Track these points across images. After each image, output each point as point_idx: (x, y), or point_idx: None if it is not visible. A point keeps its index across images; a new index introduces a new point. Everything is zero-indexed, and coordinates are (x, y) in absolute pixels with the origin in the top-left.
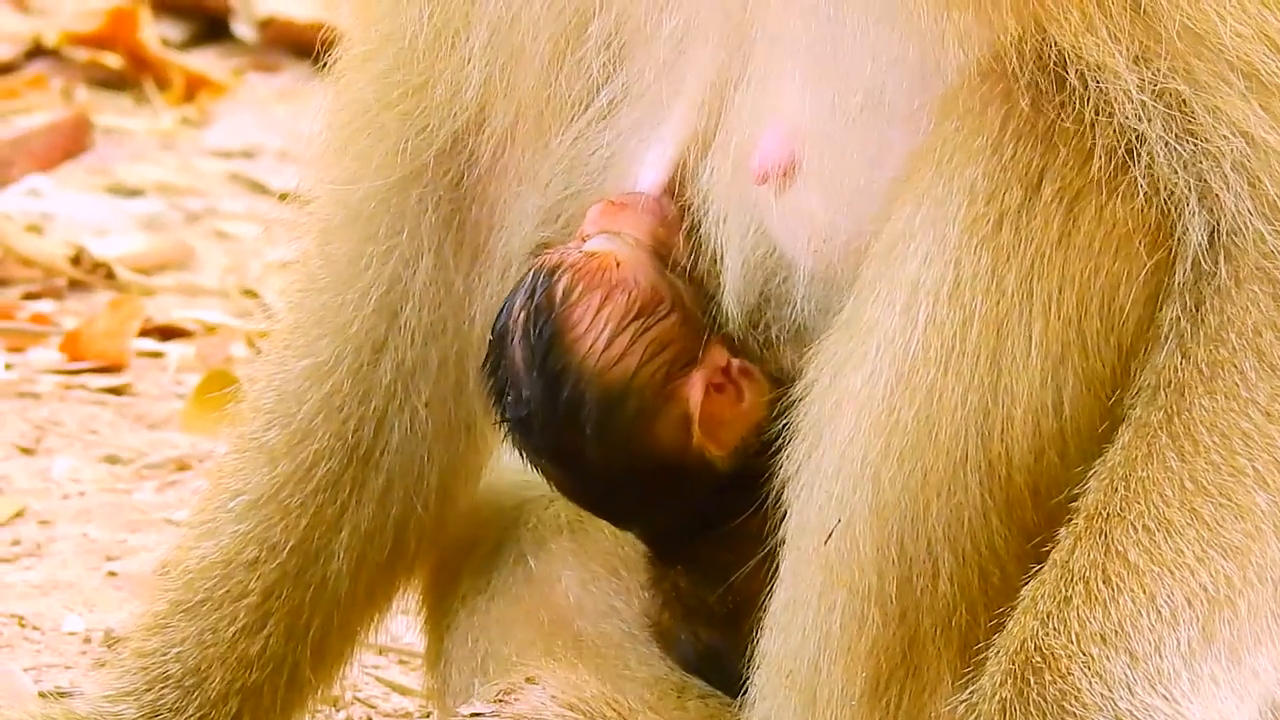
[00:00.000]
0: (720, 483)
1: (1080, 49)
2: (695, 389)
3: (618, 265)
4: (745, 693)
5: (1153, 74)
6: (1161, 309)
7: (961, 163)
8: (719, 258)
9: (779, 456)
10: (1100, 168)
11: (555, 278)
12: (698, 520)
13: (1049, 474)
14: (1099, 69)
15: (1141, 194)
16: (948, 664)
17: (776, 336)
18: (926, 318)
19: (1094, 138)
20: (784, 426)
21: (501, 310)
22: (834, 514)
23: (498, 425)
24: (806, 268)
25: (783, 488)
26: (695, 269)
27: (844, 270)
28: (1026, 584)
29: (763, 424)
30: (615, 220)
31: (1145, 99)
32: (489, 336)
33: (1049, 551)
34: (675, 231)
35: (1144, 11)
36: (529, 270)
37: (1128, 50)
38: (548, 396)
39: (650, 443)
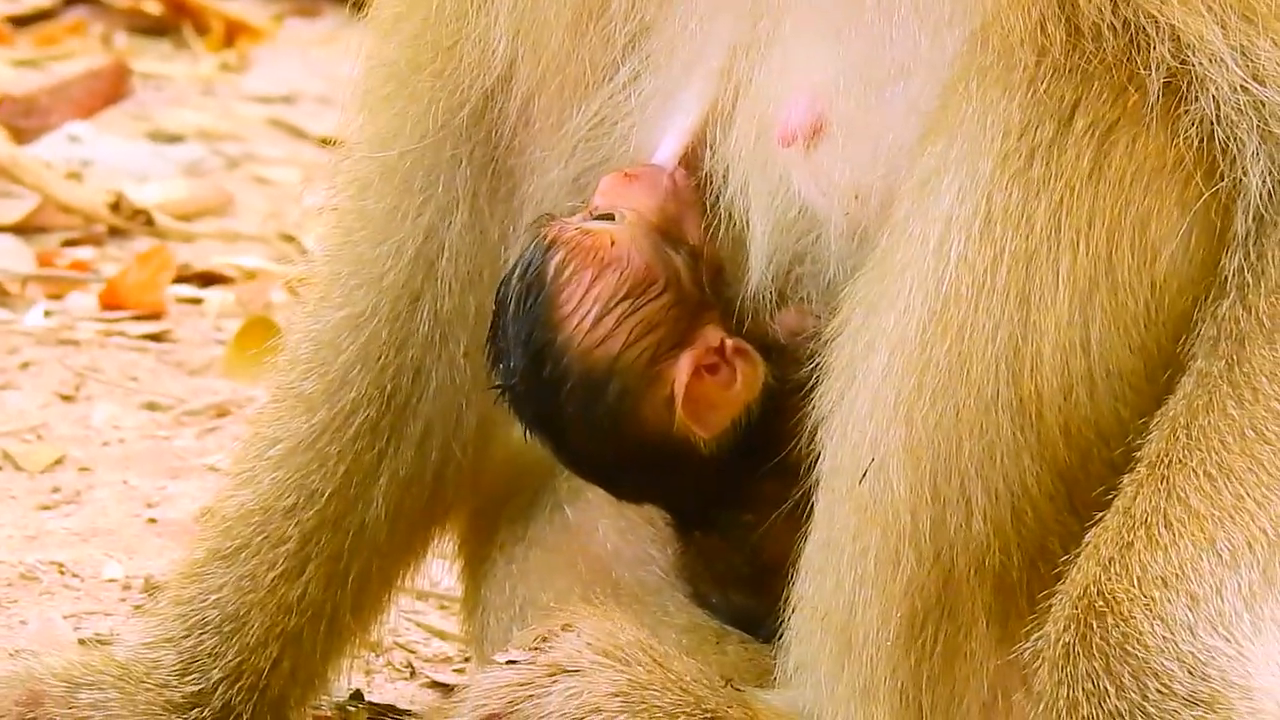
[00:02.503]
0: (715, 462)
1: (1164, 12)
2: (682, 371)
3: (612, 243)
4: (781, 637)
5: (1234, 33)
6: (1222, 259)
7: (996, 97)
8: (745, 223)
9: (791, 418)
10: (1136, 101)
11: (550, 253)
12: (705, 492)
13: (1079, 412)
14: (1175, 28)
15: (1187, 131)
16: (982, 604)
17: (808, 294)
18: (958, 255)
19: (1131, 70)
20: (815, 367)
21: (503, 279)
22: (867, 454)
23: (493, 390)
24: (837, 225)
25: (814, 430)
26: (715, 238)
27: (875, 225)
28: (1088, 529)
29: (754, 405)
30: (624, 193)
31: (1219, 48)
32: (493, 302)
33: (1082, 493)
34: (687, 205)
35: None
36: (530, 241)
37: (1218, 18)
38: (532, 371)
39: (635, 425)
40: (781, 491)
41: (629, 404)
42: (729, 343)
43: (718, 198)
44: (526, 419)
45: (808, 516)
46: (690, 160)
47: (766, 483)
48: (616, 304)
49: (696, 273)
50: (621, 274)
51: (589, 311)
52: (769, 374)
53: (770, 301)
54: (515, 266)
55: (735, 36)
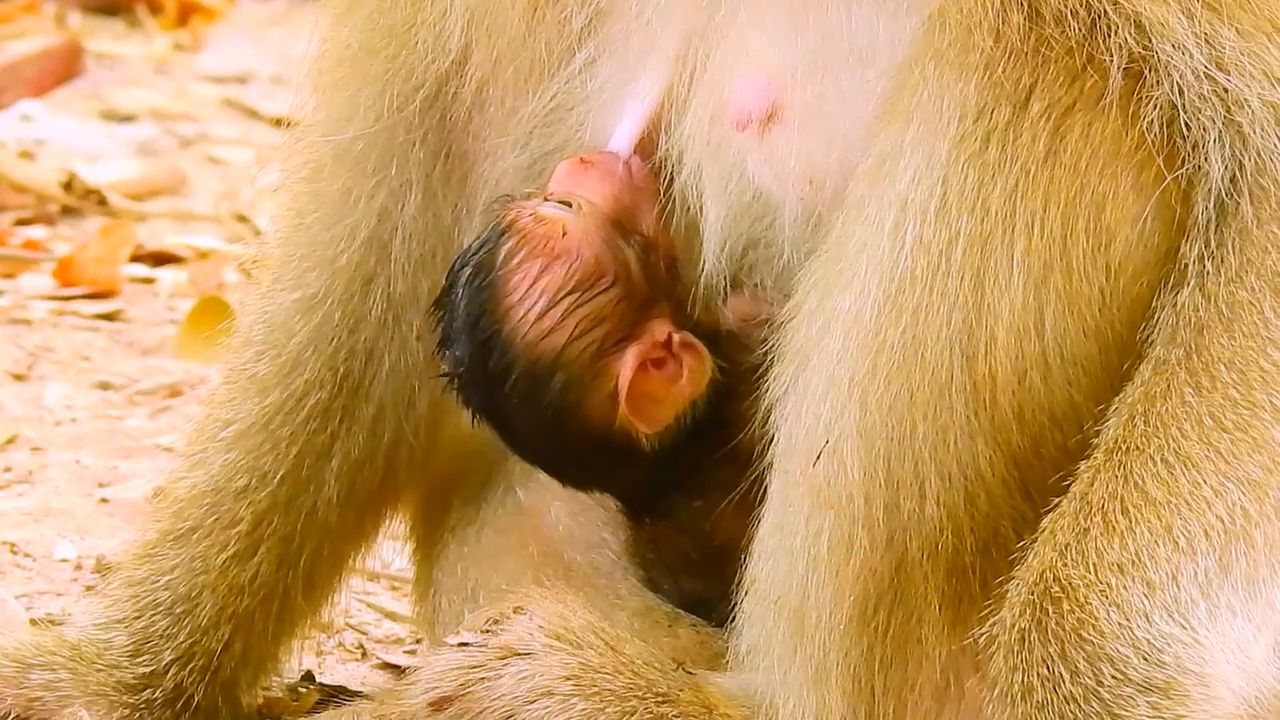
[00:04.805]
0: (659, 456)
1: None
2: (626, 366)
3: (563, 234)
4: (734, 620)
5: (1199, 21)
6: (1181, 247)
7: (952, 80)
8: (699, 208)
9: (742, 402)
10: (1093, 86)
11: (502, 239)
12: (653, 482)
13: (1033, 396)
14: (1139, 14)
15: (1147, 117)
16: (935, 588)
17: (762, 279)
18: (914, 237)
19: (1089, 54)
20: (768, 351)
21: (457, 257)
22: (821, 436)
23: (439, 376)
24: (792, 209)
25: (768, 413)
26: (670, 225)
27: (830, 209)
28: (1045, 515)
29: (700, 400)
30: (579, 181)
31: (1182, 35)
32: (444, 280)
33: (1035, 478)
34: (641, 194)
35: None
36: (487, 223)
37: (1183, 6)
38: (479, 361)
39: (579, 418)
40: (732, 476)
41: (573, 397)
42: (676, 337)
43: (672, 182)
44: (473, 407)
45: (760, 500)
46: (645, 146)
47: (717, 468)
48: (563, 296)
49: (647, 265)
50: (570, 266)
51: (535, 303)
52: (715, 368)
53: (724, 287)
54: (470, 247)
55: (691, 22)
